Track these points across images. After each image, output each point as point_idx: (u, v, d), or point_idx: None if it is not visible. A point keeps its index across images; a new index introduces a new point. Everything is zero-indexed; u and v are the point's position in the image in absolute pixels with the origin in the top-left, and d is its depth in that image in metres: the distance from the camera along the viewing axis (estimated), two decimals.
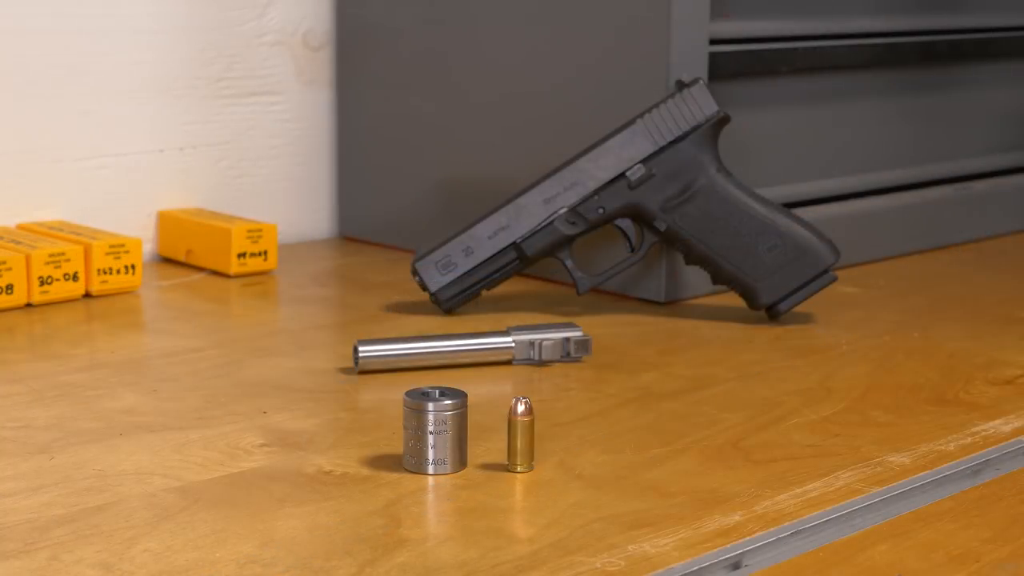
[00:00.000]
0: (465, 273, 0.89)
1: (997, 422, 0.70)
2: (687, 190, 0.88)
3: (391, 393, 0.73)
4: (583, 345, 0.79)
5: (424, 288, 0.90)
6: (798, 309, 0.90)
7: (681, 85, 0.89)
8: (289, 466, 0.63)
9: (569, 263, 0.89)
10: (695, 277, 0.93)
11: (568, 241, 0.89)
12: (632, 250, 0.90)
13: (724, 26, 0.96)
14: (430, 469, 0.62)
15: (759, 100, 1.02)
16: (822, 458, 0.65)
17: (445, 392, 0.62)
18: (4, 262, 0.88)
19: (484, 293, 0.91)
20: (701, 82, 0.88)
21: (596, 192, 0.88)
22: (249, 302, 0.96)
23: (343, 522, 0.57)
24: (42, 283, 0.90)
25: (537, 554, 0.54)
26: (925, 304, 0.96)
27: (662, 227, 0.88)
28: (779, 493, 0.60)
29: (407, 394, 0.62)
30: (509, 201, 0.89)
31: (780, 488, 0.61)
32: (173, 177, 1.07)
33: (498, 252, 0.89)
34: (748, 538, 0.56)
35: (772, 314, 0.89)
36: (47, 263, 0.90)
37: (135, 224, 1.04)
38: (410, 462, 0.62)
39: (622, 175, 0.88)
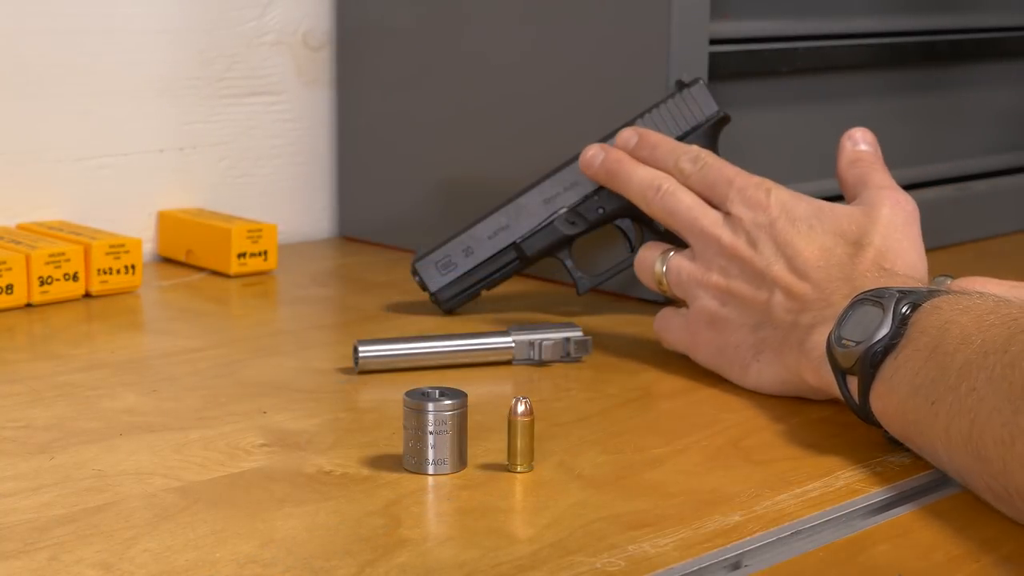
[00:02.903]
0: (465, 273, 0.89)
1: None
2: None
3: (391, 393, 0.72)
4: (583, 345, 0.79)
5: (424, 288, 0.90)
6: None
7: (681, 85, 0.89)
8: (289, 466, 0.63)
9: (569, 263, 0.89)
10: None
11: (568, 241, 0.89)
12: (632, 250, 0.90)
13: (724, 26, 0.96)
14: (430, 469, 0.62)
15: (759, 100, 1.02)
16: (822, 458, 0.65)
17: (445, 392, 0.62)
18: (4, 262, 0.88)
19: (484, 293, 0.91)
20: (701, 82, 0.88)
21: (596, 192, 0.88)
22: (249, 302, 0.96)
23: (343, 522, 0.57)
24: (42, 283, 0.90)
25: (537, 554, 0.54)
26: None
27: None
28: (779, 493, 0.60)
29: (407, 394, 0.62)
30: (509, 201, 0.89)
31: (780, 488, 0.61)
32: (173, 177, 1.07)
33: (498, 252, 0.89)
34: (748, 538, 0.56)
35: None
36: (47, 263, 0.90)
37: (135, 224, 1.04)
38: (410, 462, 0.62)
39: None
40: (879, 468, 0.64)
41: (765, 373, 0.73)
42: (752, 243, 0.75)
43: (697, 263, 0.78)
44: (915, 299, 0.63)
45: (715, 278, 0.76)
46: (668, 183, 0.80)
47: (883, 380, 0.63)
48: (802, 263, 0.73)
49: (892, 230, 0.74)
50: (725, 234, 0.77)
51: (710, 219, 0.78)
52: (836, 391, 0.66)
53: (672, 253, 0.80)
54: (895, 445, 0.65)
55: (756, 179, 0.78)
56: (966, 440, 0.57)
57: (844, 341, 0.64)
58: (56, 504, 0.58)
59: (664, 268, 0.79)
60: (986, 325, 0.58)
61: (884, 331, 0.62)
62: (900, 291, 0.64)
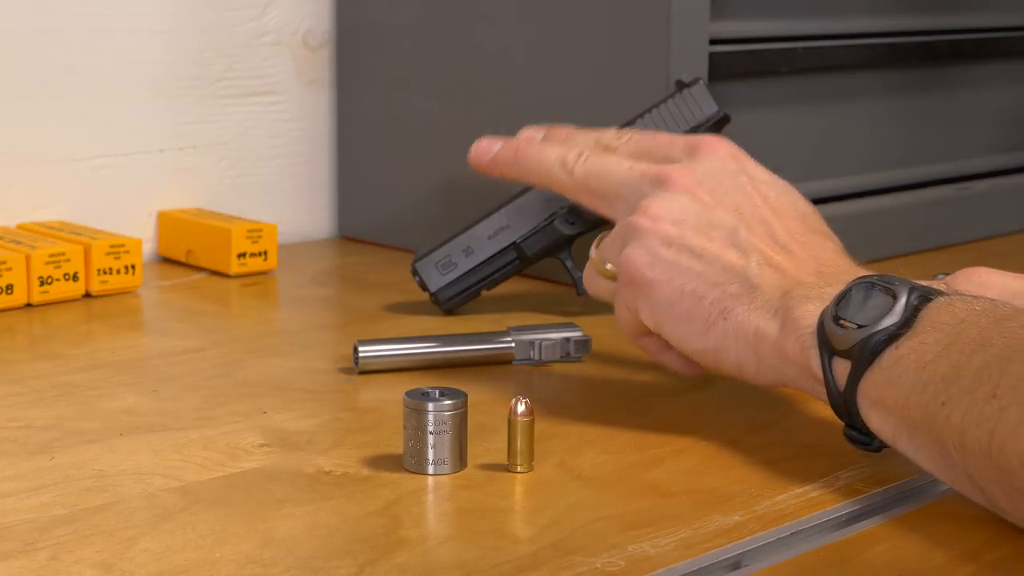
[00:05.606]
0: (465, 273, 0.89)
1: None
2: None
3: (391, 393, 0.72)
4: (583, 345, 0.79)
5: (424, 288, 0.90)
6: None
7: (681, 85, 0.89)
8: (289, 466, 0.63)
9: (569, 263, 0.89)
10: None
11: (568, 241, 0.89)
12: None
13: (724, 26, 0.96)
14: (430, 469, 0.62)
15: (759, 100, 1.02)
16: (822, 458, 0.65)
17: (445, 392, 0.62)
18: (4, 262, 0.88)
19: (484, 293, 0.91)
20: (701, 82, 0.88)
21: None
22: (249, 302, 0.96)
23: (343, 522, 0.57)
24: (42, 283, 0.90)
25: (537, 554, 0.54)
26: None
27: None
28: (779, 493, 0.60)
29: (407, 394, 0.62)
30: (509, 201, 0.89)
31: (780, 488, 0.61)
32: (173, 177, 1.07)
33: (498, 252, 0.89)
34: (748, 538, 0.56)
35: None
36: (47, 263, 0.90)
37: (135, 224, 1.04)
38: (410, 462, 0.62)
39: None
40: (879, 468, 0.64)
41: (730, 335, 0.66)
42: (710, 190, 0.69)
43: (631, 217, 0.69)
44: (924, 292, 0.60)
45: (657, 225, 0.68)
46: (587, 150, 0.73)
47: (881, 369, 0.59)
48: (780, 231, 0.69)
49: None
50: (671, 170, 0.69)
51: (647, 164, 0.70)
52: (816, 370, 0.62)
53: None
54: (855, 444, 0.63)
55: (702, 135, 0.73)
56: (986, 452, 0.55)
57: (843, 322, 0.60)
58: (56, 504, 0.58)
59: (597, 247, 0.73)
60: (1007, 330, 0.56)
61: (893, 320, 0.59)
62: (910, 283, 0.61)
